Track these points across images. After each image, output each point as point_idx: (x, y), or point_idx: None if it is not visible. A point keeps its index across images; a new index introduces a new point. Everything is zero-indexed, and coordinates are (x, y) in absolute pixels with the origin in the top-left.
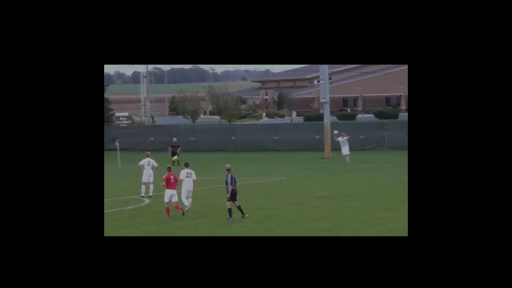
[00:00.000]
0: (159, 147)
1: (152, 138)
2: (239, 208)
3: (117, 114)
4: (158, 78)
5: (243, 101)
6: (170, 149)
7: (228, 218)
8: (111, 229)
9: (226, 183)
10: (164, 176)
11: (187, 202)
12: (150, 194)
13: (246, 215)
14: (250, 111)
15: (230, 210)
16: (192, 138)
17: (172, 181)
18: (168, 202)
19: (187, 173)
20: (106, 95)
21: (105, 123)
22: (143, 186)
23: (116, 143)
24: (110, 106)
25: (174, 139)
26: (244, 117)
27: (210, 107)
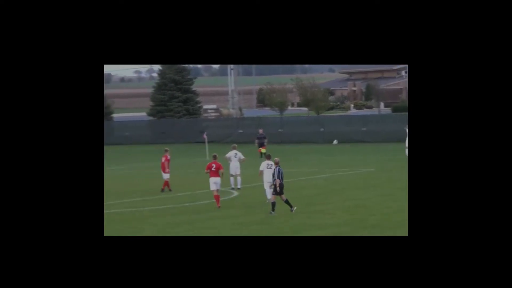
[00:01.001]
0: (247, 139)
1: (241, 130)
2: (286, 201)
3: (205, 106)
4: (246, 70)
5: (331, 93)
6: (256, 140)
7: (271, 212)
8: (206, 221)
9: (273, 176)
10: (207, 165)
11: (269, 195)
12: (239, 186)
13: (295, 207)
14: (338, 103)
15: (274, 204)
16: (279, 130)
17: (214, 169)
18: (216, 190)
19: (267, 164)
20: (194, 88)
21: (193, 116)
22: (231, 178)
23: (204, 136)
24: (198, 99)
25: (260, 130)
26: (332, 108)
27: (297, 99)
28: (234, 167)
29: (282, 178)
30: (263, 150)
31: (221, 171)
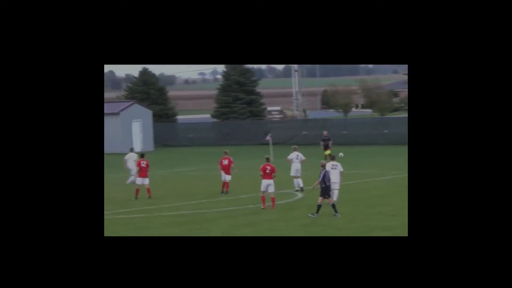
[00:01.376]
0: (311, 141)
1: (305, 132)
2: (333, 206)
3: (269, 108)
4: (310, 72)
5: (395, 94)
6: (322, 143)
7: (314, 214)
8: (272, 222)
9: (319, 178)
10: (261, 166)
11: (335, 196)
12: (301, 185)
13: (338, 215)
14: (402, 104)
15: (319, 207)
16: (344, 132)
17: (268, 171)
18: (264, 192)
19: (332, 165)
20: (258, 89)
21: (257, 118)
22: (295, 180)
23: (269, 137)
24: (262, 101)
25: (325, 132)
26: (396, 110)
27: (362, 101)
28: (295, 168)
29: (328, 180)
30: (327, 152)
31: (273, 174)
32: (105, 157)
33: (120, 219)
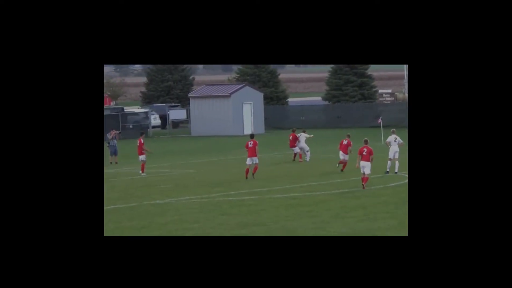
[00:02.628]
0: None
1: None
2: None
3: (380, 91)
4: None
5: None
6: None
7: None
8: (378, 206)
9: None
10: (359, 149)
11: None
12: (396, 171)
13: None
14: None
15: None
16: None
17: (365, 153)
18: (363, 173)
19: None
20: (369, 72)
21: (368, 100)
22: (389, 162)
23: (379, 120)
24: (373, 83)
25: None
26: None
27: None
28: (393, 151)
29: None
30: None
31: (371, 156)
32: (220, 140)
33: (232, 201)
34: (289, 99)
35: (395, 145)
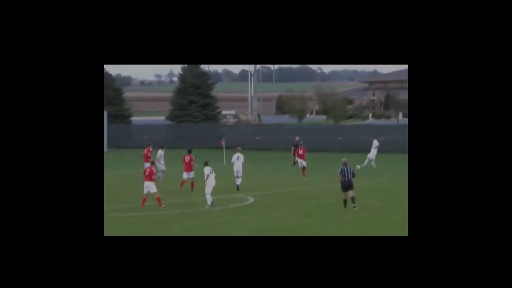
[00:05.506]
0: (265, 146)
1: (258, 137)
2: (352, 199)
3: (223, 112)
4: (266, 77)
5: (350, 102)
6: (292, 147)
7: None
8: (219, 226)
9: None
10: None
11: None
12: (238, 185)
13: (355, 207)
14: (356, 112)
15: (344, 201)
16: (297, 138)
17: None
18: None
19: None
20: (214, 93)
21: (212, 121)
22: (236, 179)
23: (223, 141)
24: (217, 104)
25: (297, 138)
26: (350, 117)
27: (316, 107)
28: (236, 169)
29: (346, 176)
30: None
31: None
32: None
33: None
34: (133, 118)
35: (238, 162)
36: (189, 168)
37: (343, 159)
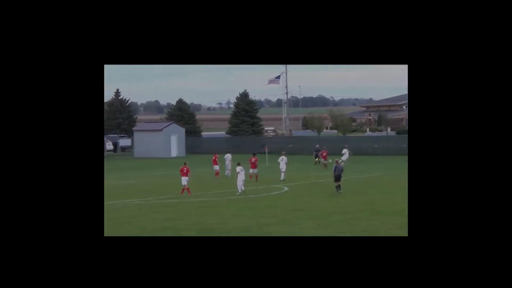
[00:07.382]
0: (295, 151)
1: (290, 145)
2: (339, 186)
3: (265, 128)
4: (294, 103)
5: (353, 120)
6: (314, 153)
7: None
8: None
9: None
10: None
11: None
12: (283, 178)
13: (341, 192)
14: (358, 127)
15: (336, 187)
16: (317, 145)
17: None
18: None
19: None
20: (258, 115)
21: (257, 134)
22: (282, 174)
23: (265, 148)
24: (261, 123)
25: (317, 145)
26: (354, 131)
27: (330, 124)
28: (281, 166)
29: (336, 171)
30: (318, 160)
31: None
32: (154, 160)
33: (161, 203)
34: (203, 133)
35: (283, 162)
36: (254, 166)
37: (336, 159)
